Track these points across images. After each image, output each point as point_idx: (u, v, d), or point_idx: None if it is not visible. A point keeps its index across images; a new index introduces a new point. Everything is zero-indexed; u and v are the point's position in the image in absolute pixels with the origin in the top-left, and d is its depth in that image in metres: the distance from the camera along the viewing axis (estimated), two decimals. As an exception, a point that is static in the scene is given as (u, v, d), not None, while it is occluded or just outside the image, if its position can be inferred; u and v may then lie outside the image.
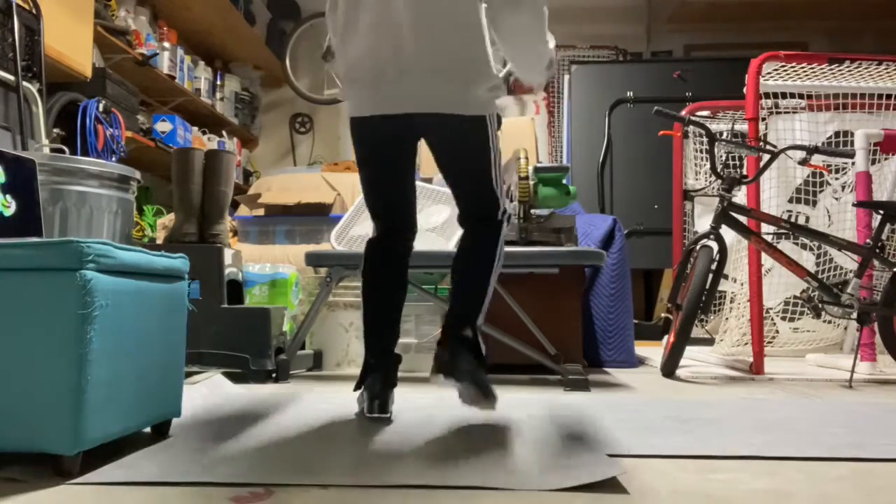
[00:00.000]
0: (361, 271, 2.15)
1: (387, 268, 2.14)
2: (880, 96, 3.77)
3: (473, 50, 1.96)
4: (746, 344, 3.49)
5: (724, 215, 3.28)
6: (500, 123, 2.12)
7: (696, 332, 3.59)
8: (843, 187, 3.96)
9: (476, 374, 1.92)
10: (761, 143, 3.39)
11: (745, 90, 3.50)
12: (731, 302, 3.89)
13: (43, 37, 3.01)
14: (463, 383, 1.91)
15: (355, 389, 2.14)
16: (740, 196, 3.58)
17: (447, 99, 1.96)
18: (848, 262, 3.74)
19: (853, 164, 3.61)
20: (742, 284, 3.67)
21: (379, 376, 2.06)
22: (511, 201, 3.33)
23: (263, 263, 3.65)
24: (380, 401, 2.02)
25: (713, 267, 3.21)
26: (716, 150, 3.33)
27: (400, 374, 2.12)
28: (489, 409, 1.92)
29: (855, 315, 3.21)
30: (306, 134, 6.65)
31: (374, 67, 1.97)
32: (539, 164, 3.64)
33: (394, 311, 2.14)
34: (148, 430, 1.74)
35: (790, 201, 3.99)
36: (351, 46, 2.00)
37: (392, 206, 2.15)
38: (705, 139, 3.36)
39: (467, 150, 2.04)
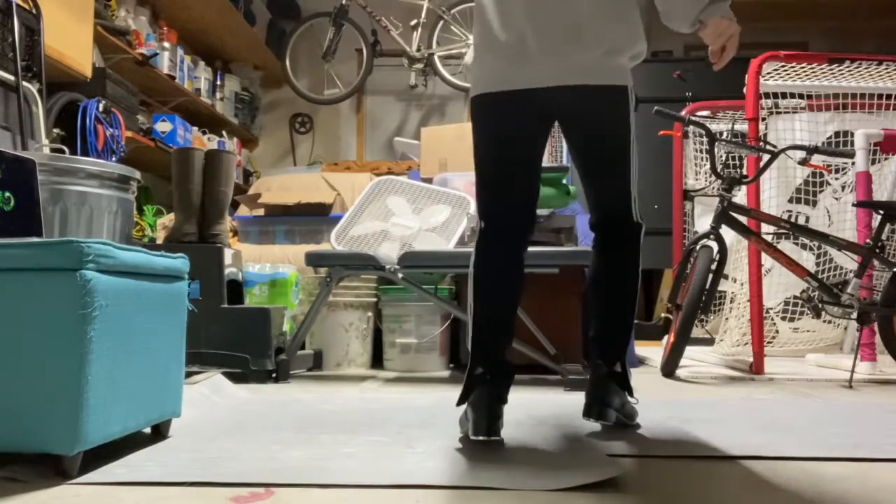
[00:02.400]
0: (474, 266, 1.85)
1: (510, 266, 1.87)
2: (880, 96, 3.77)
3: (622, 8, 1.81)
4: (746, 344, 3.49)
5: (724, 215, 3.28)
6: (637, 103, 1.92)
7: (696, 332, 3.58)
8: (843, 187, 3.95)
9: (624, 409, 1.91)
10: (761, 143, 3.38)
11: (745, 90, 3.49)
12: (731, 302, 3.89)
13: (43, 37, 3.01)
14: (611, 422, 1.86)
15: (459, 404, 1.81)
16: (740, 196, 3.58)
17: (587, 68, 1.76)
18: (848, 262, 3.74)
19: (853, 164, 3.61)
20: (742, 284, 3.67)
21: (487, 391, 1.75)
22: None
23: (263, 263, 3.65)
24: (487, 422, 1.70)
25: (713, 267, 3.21)
26: (716, 150, 3.33)
27: (400, 374, 2.11)
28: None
29: (855, 315, 3.21)
30: (306, 134, 6.65)
31: (510, 38, 1.77)
32: (539, 164, 3.64)
33: (513, 312, 1.88)
34: (148, 430, 1.74)
35: (790, 201, 3.99)
36: (484, 12, 1.80)
37: (519, 199, 1.88)
38: (705, 139, 3.36)
39: (602, 129, 1.84)
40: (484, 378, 1.78)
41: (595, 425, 1.98)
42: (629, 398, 1.97)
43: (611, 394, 1.87)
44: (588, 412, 1.86)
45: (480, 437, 1.70)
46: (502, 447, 1.71)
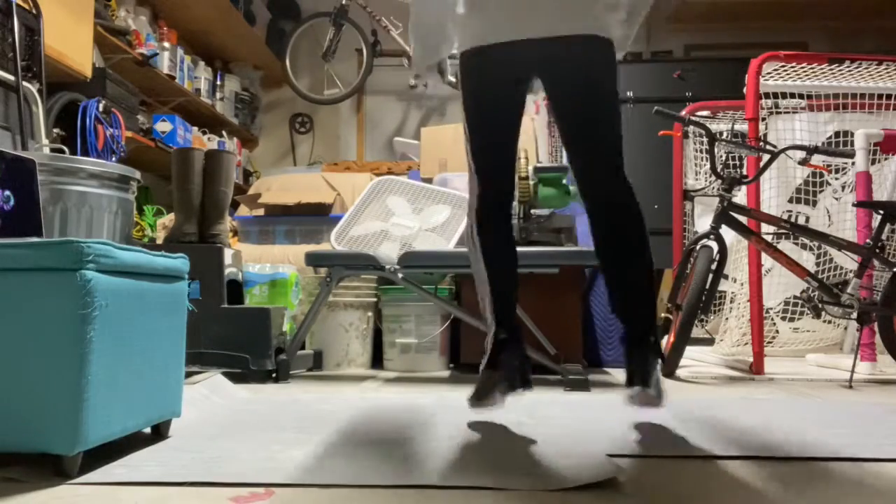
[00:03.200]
0: (476, 235, 1.95)
1: (503, 232, 1.97)
2: (880, 96, 3.77)
3: None
4: (746, 344, 3.49)
5: (724, 215, 3.28)
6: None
7: (696, 332, 3.58)
8: (843, 187, 3.96)
9: (659, 381, 1.88)
10: (761, 143, 3.38)
11: (745, 90, 3.49)
12: (731, 302, 3.89)
13: (43, 37, 3.01)
14: (647, 390, 1.84)
15: (486, 369, 1.94)
16: (740, 196, 3.58)
17: (570, 18, 1.77)
18: (848, 262, 3.74)
19: (853, 164, 3.61)
20: (742, 284, 3.67)
21: (517, 350, 1.92)
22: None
23: (263, 263, 3.65)
24: (521, 375, 1.89)
25: (713, 267, 3.21)
26: (716, 150, 3.33)
27: (400, 373, 2.12)
28: (660, 407, 1.89)
29: (855, 315, 3.21)
30: (306, 134, 6.65)
31: None
32: (539, 164, 3.65)
33: (517, 276, 2.00)
34: (148, 430, 1.74)
35: (790, 201, 3.99)
36: None
37: (504, 162, 1.94)
38: (705, 139, 3.36)
39: (592, 77, 1.82)
40: (510, 339, 1.91)
41: (595, 425, 1.98)
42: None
43: (650, 364, 1.86)
44: (631, 381, 1.86)
45: (517, 391, 1.87)
46: (505, 442, 1.73)
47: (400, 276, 3.05)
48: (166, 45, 4.71)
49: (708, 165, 3.87)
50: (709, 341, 4.07)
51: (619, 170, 1.88)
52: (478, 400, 1.94)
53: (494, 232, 1.96)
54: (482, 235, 1.95)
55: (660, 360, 1.92)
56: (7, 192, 1.81)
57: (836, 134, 3.86)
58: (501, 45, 1.80)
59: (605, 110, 1.86)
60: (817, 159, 3.30)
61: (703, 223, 4.40)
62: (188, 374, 2.30)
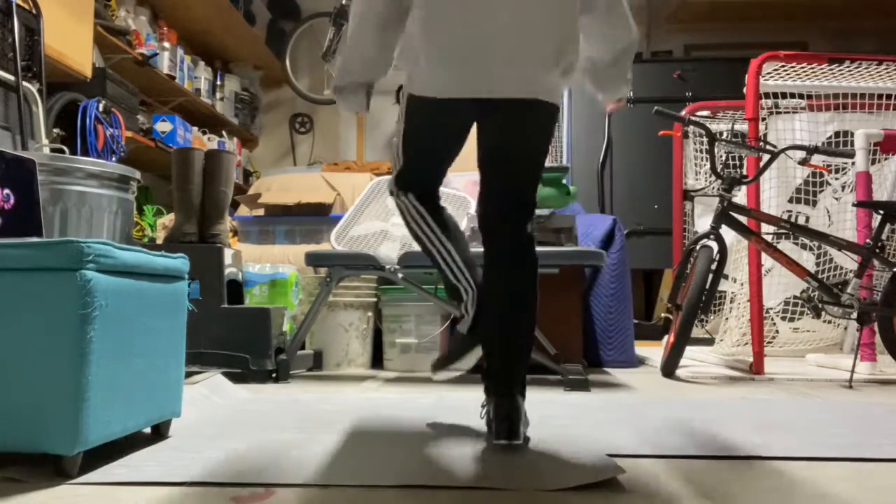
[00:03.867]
0: (419, 204, 1.94)
1: (440, 213, 1.96)
2: (880, 96, 3.77)
3: (568, 33, 1.81)
4: (746, 344, 3.49)
5: (724, 215, 3.28)
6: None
7: (696, 332, 3.58)
8: (843, 187, 3.96)
9: (525, 419, 1.79)
10: (761, 143, 3.39)
11: (745, 90, 3.50)
12: (731, 302, 3.89)
13: (43, 37, 3.00)
14: (513, 442, 1.71)
15: (468, 332, 1.92)
16: (740, 196, 3.58)
17: (529, 83, 1.78)
18: (848, 262, 3.74)
19: (853, 164, 3.61)
20: (742, 284, 3.67)
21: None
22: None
23: (263, 263, 3.65)
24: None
25: (713, 267, 3.21)
26: (716, 150, 3.33)
27: (400, 374, 2.11)
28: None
29: (855, 315, 3.21)
30: (306, 134, 6.65)
31: (461, 46, 1.77)
32: (539, 164, 3.64)
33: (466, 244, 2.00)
34: (148, 430, 1.74)
35: (790, 201, 3.99)
36: (439, 20, 1.78)
37: (436, 178, 1.98)
38: (705, 139, 3.36)
39: (536, 140, 1.86)
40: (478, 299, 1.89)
41: (595, 425, 1.97)
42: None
43: (518, 419, 1.74)
44: (498, 433, 1.73)
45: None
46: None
47: (400, 276, 3.05)
48: (166, 45, 4.71)
49: (708, 165, 3.87)
50: (709, 341, 4.07)
51: (527, 224, 1.88)
52: (448, 363, 1.93)
53: (432, 199, 1.96)
54: (425, 204, 1.94)
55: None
56: (7, 192, 1.81)
57: (836, 134, 3.86)
58: (456, 99, 1.82)
59: (531, 172, 1.89)
60: (817, 159, 3.30)
61: (703, 223, 4.40)
62: (188, 374, 2.30)
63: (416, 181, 1.96)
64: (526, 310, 1.83)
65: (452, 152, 1.96)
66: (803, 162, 3.24)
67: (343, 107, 1.97)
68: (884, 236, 3.22)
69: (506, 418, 1.71)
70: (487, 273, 1.88)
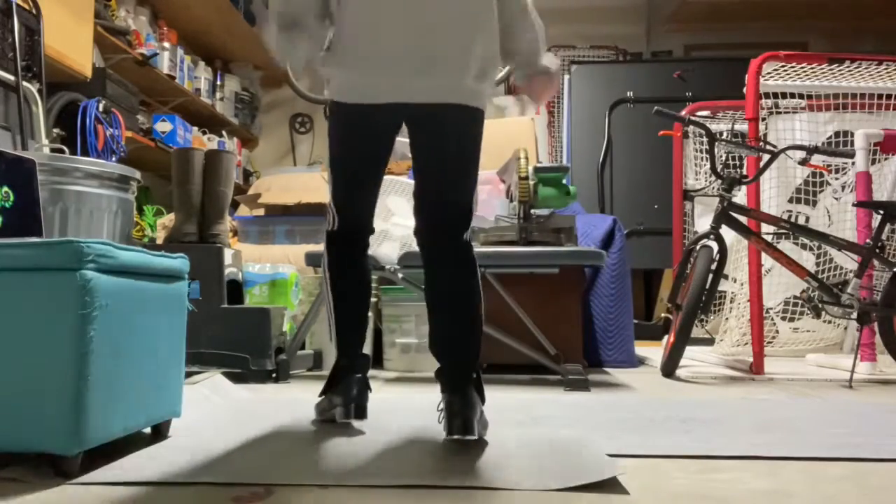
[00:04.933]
0: (327, 267, 1.99)
1: (354, 267, 2.01)
2: (880, 96, 3.77)
3: (486, 38, 1.83)
4: (746, 344, 3.49)
5: (724, 215, 3.28)
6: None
7: (696, 332, 3.58)
8: (843, 187, 3.96)
9: (482, 419, 1.80)
10: (761, 143, 3.39)
11: (745, 90, 3.50)
12: (731, 302, 3.89)
13: (43, 37, 3.00)
14: (468, 437, 1.74)
15: (323, 394, 2.02)
16: (740, 196, 3.58)
17: (449, 88, 1.80)
18: (848, 262, 3.74)
19: (853, 164, 3.61)
20: (742, 284, 3.67)
21: (357, 379, 1.96)
22: (511, 201, 3.33)
23: (263, 263, 3.65)
24: (357, 405, 1.92)
25: (713, 267, 3.21)
26: (716, 150, 3.33)
27: (400, 374, 2.12)
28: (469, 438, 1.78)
29: (855, 315, 3.21)
30: (306, 134, 6.65)
31: (374, 52, 1.78)
32: (539, 164, 3.64)
33: (366, 309, 2.06)
34: (148, 430, 1.74)
35: (790, 201, 3.99)
36: (354, 25, 1.80)
37: (364, 204, 1.98)
38: (705, 139, 3.36)
39: (462, 144, 1.86)
40: (352, 369, 1.97)
41: (595, 425, 1.97)
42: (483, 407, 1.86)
43: (473, 407, 1.76)
44: (450, 429, 1.74)
45: (352, 420, 1.92)
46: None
47: (400, 276, 3.05)
48: (166, 45, 4.70)
49: (708, 165, 3.87)
50: (709, 341, 4.07)
51: (464, 233, 1.91)
52: (318, 415, 2.02)
53: (349, 266, 2.00)
54: (333, 270, 1.99)
55: (481, 399, 1.82)
56: (7, 192, 1.81)
57: (836, 134, 3.86)
58: (378, 104, 1.83)
59: (462, 179, 1.89)
60: (817, 159, 3.30)
61: (703, 223, 4.40)
62: (188, 374, 2.30)
63: (346, 208, 1.94)
64: (471, 309, 1.89)
65: (381, 164, 1.94)
66: (803, 162, 3.24)
67: (287, 50, 1.87)
68: (884, 236, 3.22)
69: (458, 414, 1.75)
70: (430, 277, 1.95)
